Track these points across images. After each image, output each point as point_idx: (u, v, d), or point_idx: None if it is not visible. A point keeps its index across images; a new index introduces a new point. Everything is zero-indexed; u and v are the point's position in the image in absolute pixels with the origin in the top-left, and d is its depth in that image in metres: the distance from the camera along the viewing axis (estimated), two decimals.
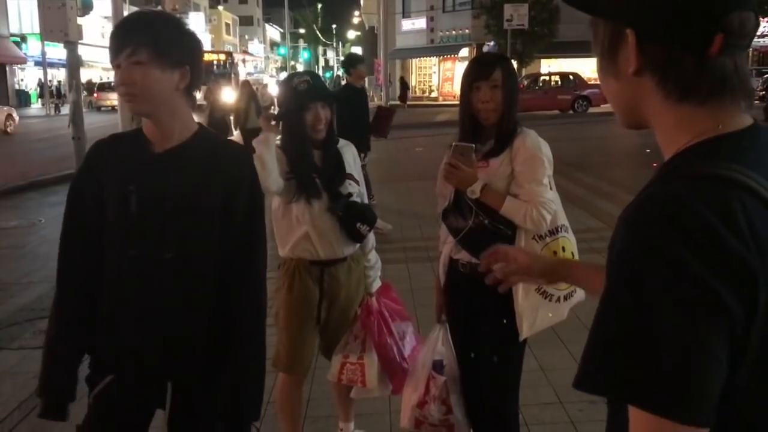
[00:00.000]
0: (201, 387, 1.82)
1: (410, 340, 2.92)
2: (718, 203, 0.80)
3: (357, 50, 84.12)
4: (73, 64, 9.92)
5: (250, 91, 12.23)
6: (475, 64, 2.48)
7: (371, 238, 2.95)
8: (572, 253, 2.48)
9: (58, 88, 33.90)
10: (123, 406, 1.82)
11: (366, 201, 2.89)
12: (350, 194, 2.78)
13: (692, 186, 0.83)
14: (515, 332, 2.41)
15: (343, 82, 8.43)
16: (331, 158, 2.78)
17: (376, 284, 2.99)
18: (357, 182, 2.84)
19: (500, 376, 2.50)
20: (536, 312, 2.41)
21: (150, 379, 1.81)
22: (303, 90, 2.69)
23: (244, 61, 45.19)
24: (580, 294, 2.52)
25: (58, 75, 35.25)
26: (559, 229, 2.45)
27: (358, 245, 2.86)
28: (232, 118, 12.24)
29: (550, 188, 2.41)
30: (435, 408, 2.54)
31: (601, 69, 0.99)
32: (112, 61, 1.68)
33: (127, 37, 1.66)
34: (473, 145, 2.35)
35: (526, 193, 2.34)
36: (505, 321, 2.41)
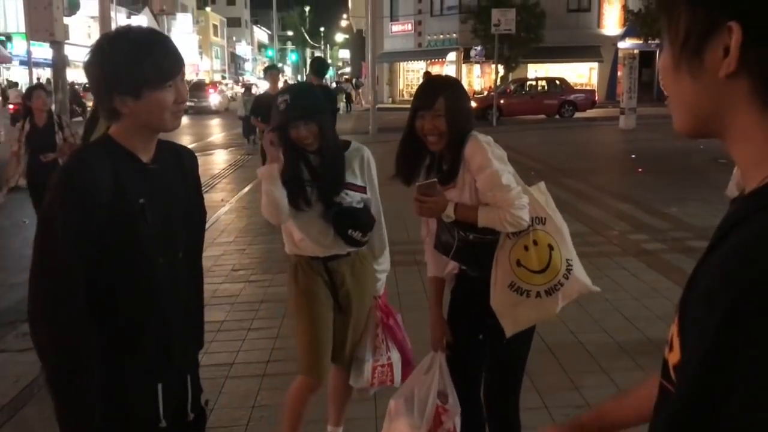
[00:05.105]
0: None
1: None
2: None
3: (345, 53, 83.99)
4: (59, 64, 9.86)
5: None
6: (419, 92, 2.51)
7: (383, 242, 3.00)
8: (549, 245, 2.44)
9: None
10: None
11: (371, 206, 2.88)
12: (340, 203, 2.77)
13: None
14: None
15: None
16: (326, 167, 2.76)
17: (383, 287, 3.07)
18: (359, 189, 2.83)
19: (502, 375, 2.54)
20: (515, 309, 2.40)
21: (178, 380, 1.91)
22: (282, 110, 2.68)
23: None
24: (570, 287, 2.47)
25: (44, 75, 34.96)
26: (531, 222, 2.41)
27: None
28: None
29: (516, 183, 2.39)
30: None
31: (675, 65, 0.81)
32: (167, 80, 1.71)
33: (179, 57, 1.77)
34: (435, 180, 2.42)
35: (492, 201, 2.36)
36: (492, 321, 2.42)
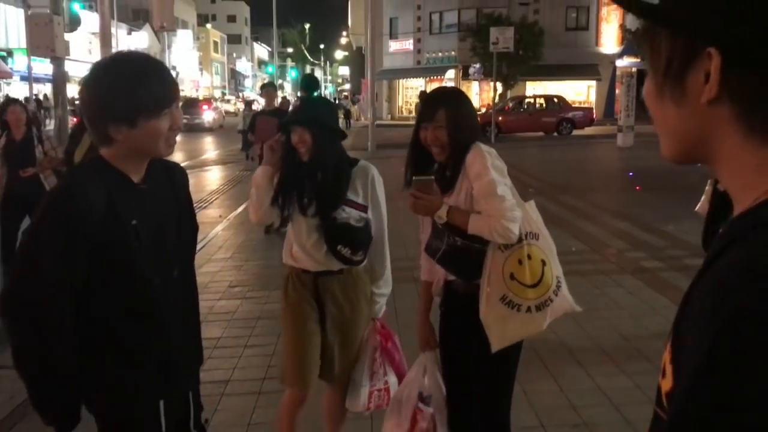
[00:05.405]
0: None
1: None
2: None
3: (344, 70, 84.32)
4: (60, 79, 9.93)
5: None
6: (421, 105, 2.57)
7: (384, 265, 2.96)
8: (542, 261, 2.44)
9: None
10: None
11: (372, 226, 2.87)
12: (335, 218, 2.76)
13: None
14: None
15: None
16: (321, 180, 2.77)
17: (382, 310, 3.02)
18: (358, 207, 2.81)
19: (490, 394, 2.53)
20: (505, 322, 2.40)
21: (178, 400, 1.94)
22: (291, 112, 2.82)
23: None
24: (558, 304, 2.48)
25: (45, 90, 35.09)
26: (525, 236, 2.42)
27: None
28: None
29: (511, 196, 2.40)
30: None
31: (659, 92, 0.81)
32: (163, 108, 1.70)
33: (175, 85, 1.78)
34: (432, 177, 2.44)
35: (485, 209, 2.37)
36: (476, 336, 2.42)
